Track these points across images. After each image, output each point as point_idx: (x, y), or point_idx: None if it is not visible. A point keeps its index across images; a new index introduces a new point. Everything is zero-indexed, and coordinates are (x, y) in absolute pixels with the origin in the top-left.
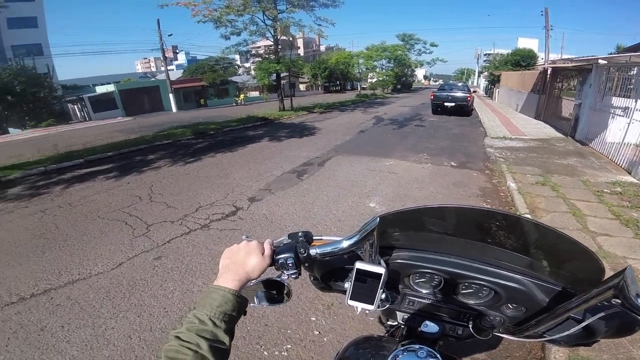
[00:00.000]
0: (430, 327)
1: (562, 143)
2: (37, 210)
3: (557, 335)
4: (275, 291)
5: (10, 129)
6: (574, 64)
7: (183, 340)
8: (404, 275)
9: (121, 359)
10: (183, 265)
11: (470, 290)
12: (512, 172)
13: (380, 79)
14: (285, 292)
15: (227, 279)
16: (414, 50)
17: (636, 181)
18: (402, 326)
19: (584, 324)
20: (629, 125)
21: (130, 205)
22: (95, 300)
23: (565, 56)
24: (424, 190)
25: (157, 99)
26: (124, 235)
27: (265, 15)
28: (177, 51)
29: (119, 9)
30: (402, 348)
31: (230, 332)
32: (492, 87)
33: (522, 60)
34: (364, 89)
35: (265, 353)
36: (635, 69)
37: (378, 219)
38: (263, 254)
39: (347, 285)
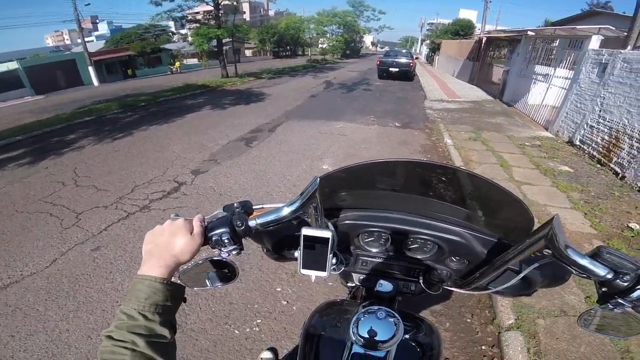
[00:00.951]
0: (384, 285)
1: (491, 104)
2: None
3: (500, 287)
4: (227, 270)
5: None
6: (506, 35)
7: (116, 340)
8: (353, 236)
9: None
10: (127, 254)
11: (416, 246)
12: (449, 130)
13: (331, 44)
14: (231, 269)
15: (152, 266)
16: (363, 17)
17: (552, 136)
18: (361, 287)
19: (521, 275)
20: (547, 89)
21: (52, 193)
22: (37, 303)
23: (499, 27)
24: (371, 149)
25: (74, 73)
26: (52, 228)
27: None
28: (97, 21)
29: None
30: (362, 310)
31: (168, 324)
32: (433, 54)
33: (461, 30)
34: (314, 54)
35: (237, 332)
36: (557, 41)
37: (318, 179)
38: (192, 232)
39: (298, 254)
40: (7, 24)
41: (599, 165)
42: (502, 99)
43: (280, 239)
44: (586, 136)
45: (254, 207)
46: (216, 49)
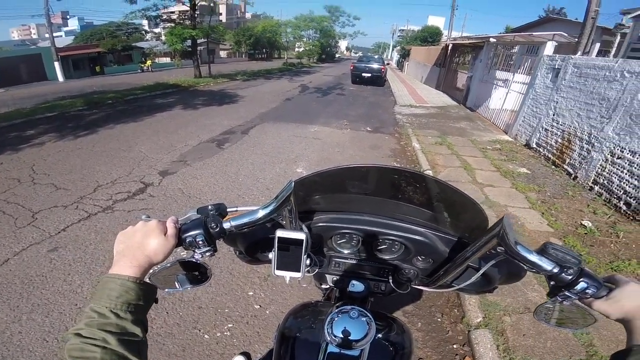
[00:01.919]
0: (356, 286)
1: (456, 110)
2: None
3: (463, 284)
4: (197, 272)
5: None
6: (470, 41)
7: (85, 337)
8: (326, 238)
9: None
10: (87, 256)
11: (385, 246)
12: (417, 135)
13: (307, 48)
14: (202, 271)
15: (124, 266)
16: (339, 22)
17: (511, 139)
18: (334, 288)
19: (480, 272)
20: (507, 94)
21: (6, 190)
22: None
23: (465, 34)
24: (344, 153)
25: (39, 68)
26: (4, 227)
27: None
28: (68, 17)
29: None
30: (336, 310)
31: (140, 323)
32: (403, 60)
33: (430, 36)
34: (290, 57)
35: (206, 336)
36: (517, 47)
37: (293, 183)
38: (165, 233)
39: (272, 255)
40: None
41: (553, 167)
42: (465, 104)
43: (254, 242)
44: (542, 139)
45: (228, 209)
46: (190, 49)
